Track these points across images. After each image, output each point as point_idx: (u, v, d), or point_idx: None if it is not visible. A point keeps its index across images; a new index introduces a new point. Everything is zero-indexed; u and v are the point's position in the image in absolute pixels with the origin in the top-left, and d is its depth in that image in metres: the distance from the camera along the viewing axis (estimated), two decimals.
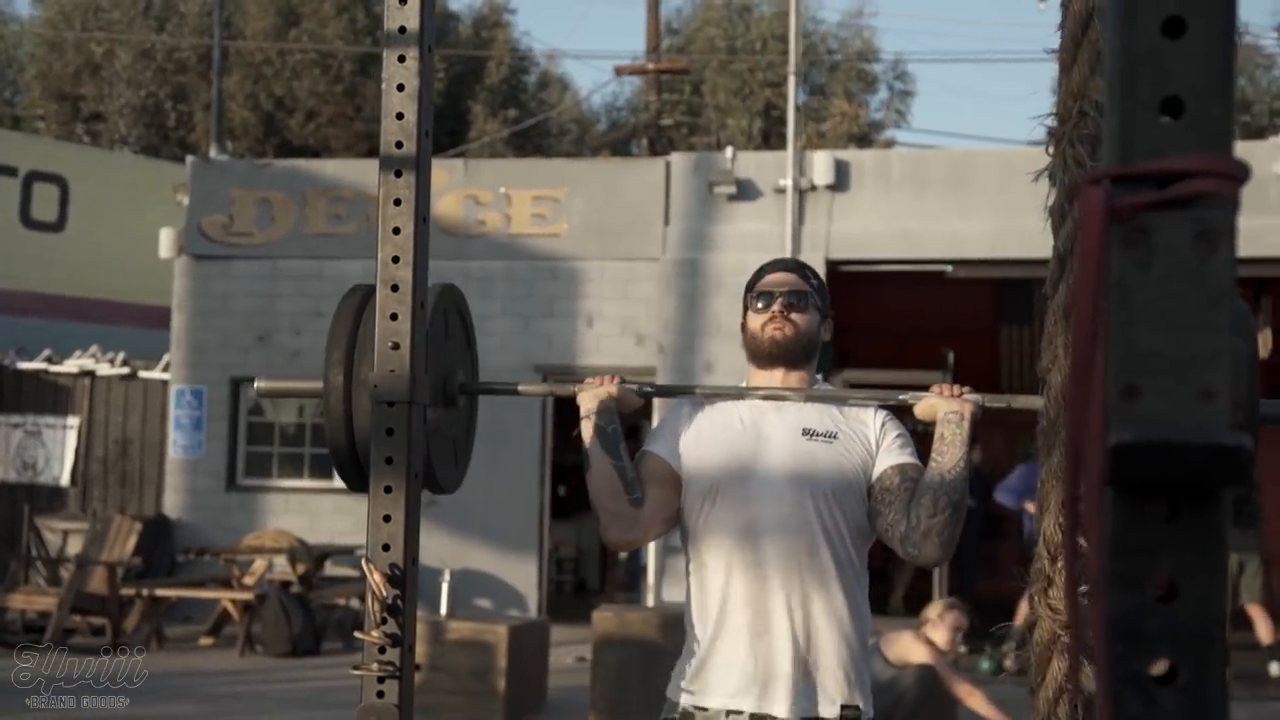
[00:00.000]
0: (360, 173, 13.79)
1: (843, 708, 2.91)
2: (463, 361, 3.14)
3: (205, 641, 11.34)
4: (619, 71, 24.15)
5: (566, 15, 47.38)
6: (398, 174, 2.78)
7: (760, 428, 3.03)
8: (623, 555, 15.42)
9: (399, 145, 2.77)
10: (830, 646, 2.91)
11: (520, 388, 3.25)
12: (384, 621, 2.73)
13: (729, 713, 2.93)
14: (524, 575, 12.54)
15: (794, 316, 3.10)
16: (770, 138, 23.07)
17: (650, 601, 12.21)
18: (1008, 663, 10.77)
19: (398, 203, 2.78)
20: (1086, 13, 1.78)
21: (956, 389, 2.98)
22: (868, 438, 3.02)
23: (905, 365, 12.19)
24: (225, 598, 11.23)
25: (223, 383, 13.50)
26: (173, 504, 13.45)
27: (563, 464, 14.49)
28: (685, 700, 3.01)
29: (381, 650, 2.73)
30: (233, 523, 13.07)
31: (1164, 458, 0.97)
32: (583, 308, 12.83)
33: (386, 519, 2.77)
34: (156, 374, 14.07)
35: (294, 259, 13.40)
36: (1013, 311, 16.96)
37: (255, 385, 3.22)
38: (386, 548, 2.77)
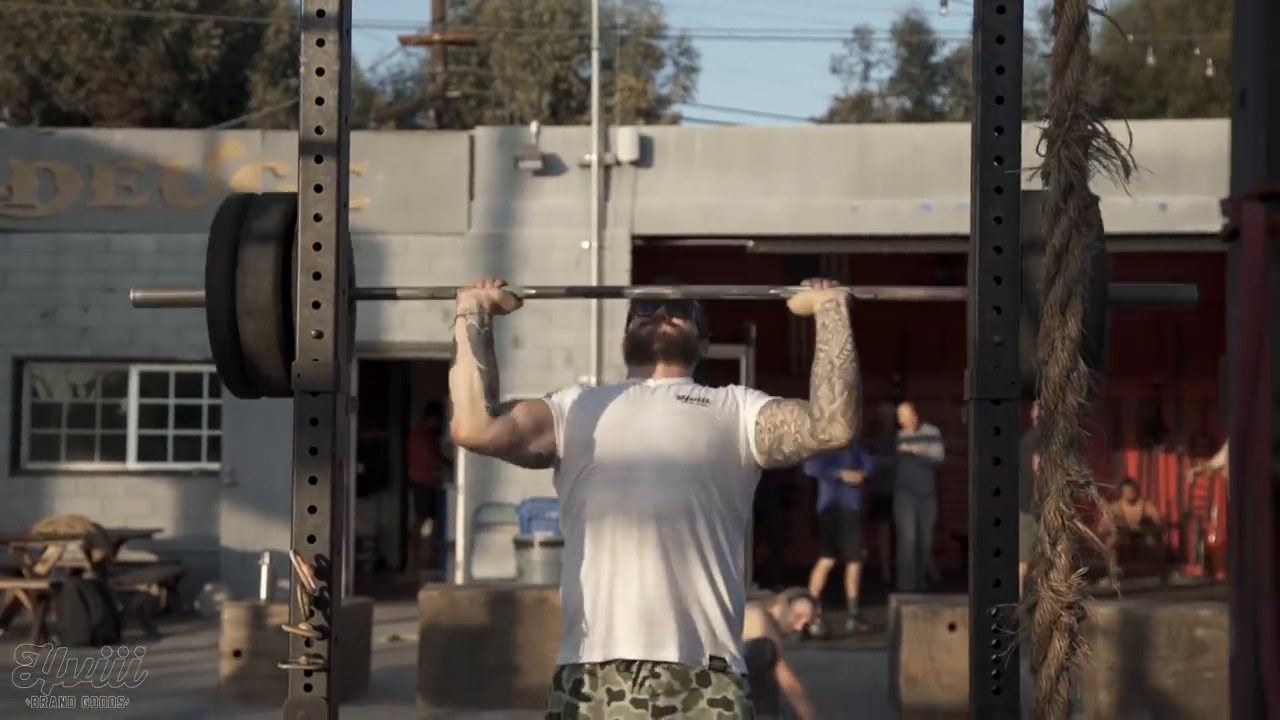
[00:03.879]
0: (150, 143, 13.32)
1: (711, 658, 3.05)
2: (345, 268, 3.10)
3: None
4: (404, 42, 23.85)
5: None
6: (318, 159, 2.72)
7: (639, 398, 3.19)
8: (425, 531, 15.32)
9: (319, 130, 2.72)
10: (699, 606, 3.05)
11: (399, 292, 3.25)
12: (311, 614, 2.68)
13: (602, 663, 3.04)
14: None
15: (675, 320, 3.25)
16: (559, 111, 23.07)
17: (459, 578, 12.16)
18: (814, 628, 11.06)
19: (319, 189, 2.73)
20: (1079, 19, 1.85)
21: (826, 282, 3.16)
22: (735, 401, 3.19)
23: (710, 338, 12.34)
24: (17, 587, 10.75)
25: (4, 362, 12.90)
26: None
27: (362, 441, 14.30)
28: (565, 659, 3.11)
29: (308, 643, 2.68)
30: (18, 509, 12.52)
31: None
32: (386, 282, 12.65)
33: (312, 510, 2.72)
34: None
35: (80, 232, 12.87)
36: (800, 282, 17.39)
37: (131, 295, 3.12)
38: (312, 539, 2.72)
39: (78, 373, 13.34)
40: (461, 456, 12.64)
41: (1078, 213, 1.85)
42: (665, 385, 3.21)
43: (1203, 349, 15.78)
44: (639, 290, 3.23)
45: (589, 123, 13.21)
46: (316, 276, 2.73)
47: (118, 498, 12.74)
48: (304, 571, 2.67)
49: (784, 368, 16.56)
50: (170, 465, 12.96)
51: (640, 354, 3.27)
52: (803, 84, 45.97)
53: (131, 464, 13.02)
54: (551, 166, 12.63)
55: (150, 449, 13.06)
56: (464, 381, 3.06)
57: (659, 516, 3.04)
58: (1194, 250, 12.11)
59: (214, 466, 12.74)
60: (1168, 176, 11.97)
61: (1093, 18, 1.95)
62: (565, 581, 3.16)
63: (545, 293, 3.39)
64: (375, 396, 15.54)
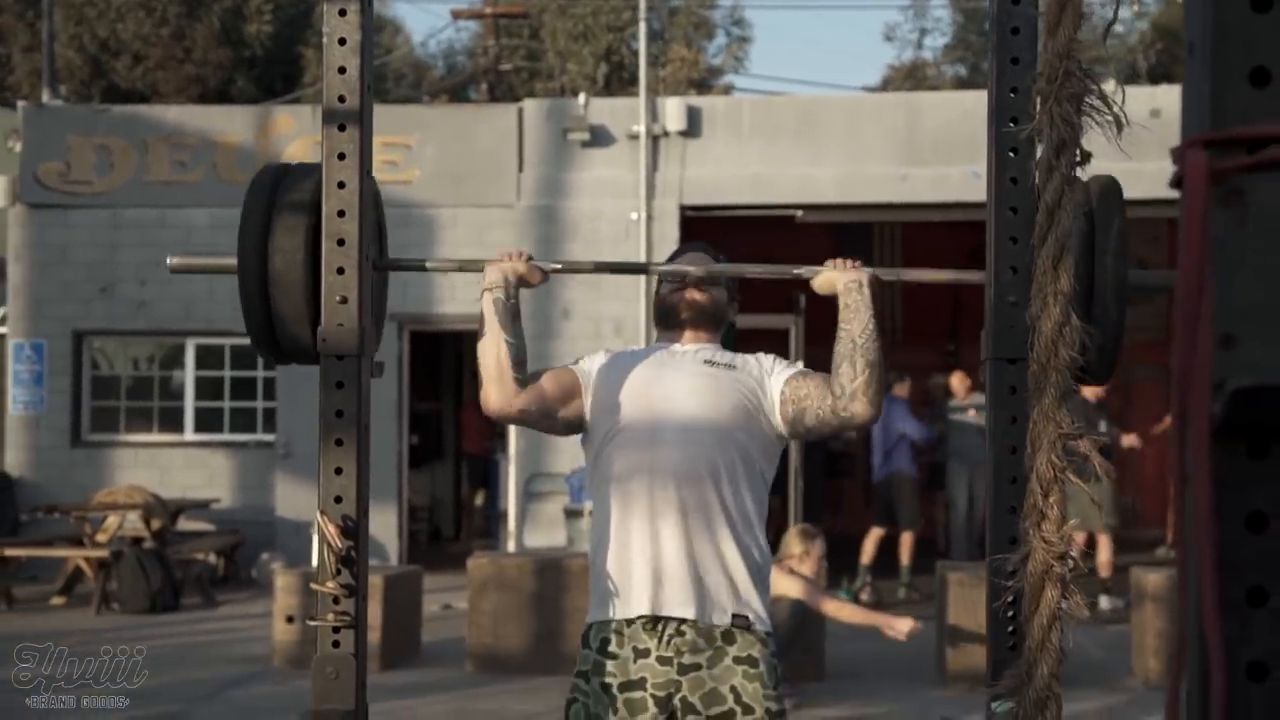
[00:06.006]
0: (204, 118, 13.47)
1: (734, 616, 3.09)
2: (374, 238, 3.16)
3: (57, 601, 11.08)
4: (455, 16, 23.88)
5: None
6: (341, 128, 2.77)
7: (666, 361, 3.24)
8: (478, 501, 15.46)
9: (342, 99, 2.77)
10: (722, 566, 3.09)
11: (428, 264, 3.29)
12: (338, 573, 2.74)
13: (628, 620, 3.08)
14: (383, 525, 12.49)
15: (706, 288, 3.31)
16: (612, 83, 23.07)
17: (511, 547, 12.27)
18: (863, 596, 11.10)
19: (342, 157, 2.78)
20: None
21: (849, 262, 3.19)
22: (762, 369, 3.24)
23: (756, 309, 12.38)
24: (79, 556, 10.97)
25: (64, 336, 13.12)
26: (14, 462, 13.07)
27: (416, 412, 14.44)
28: (594, 617, 3.16)
29: (336, 601, 2.75)
30: (79, 479, 12.76)
31: (1268, 401, 1.06)
32: (437, 255, 12.75)
33: (339, 471, 2.78)
34: None
35: (136, 208, 13.05)
36: (852, 253, 17.27)
37: (168, 261, 3.18)
38: (339, 500, 2.78)
39: (136, 346, 13.54)
40: (513, 428, 12.75)
41: (1069, 169, 1.87)
42: (693, 350, 3.26)
43: None
44: (665, 267, 3.27)
45: (639, 94, 13.21)
46: (340, 243, 2.78)
47: (176, 468, 12.94)
48: (330, 531, 2.73)
49: (835, 337, 16.53)
50: (226, 436, 13.16)
51: (668, 320, 3.33)
52: (856, 53, 45.67)
53: (189, 435, 13.22)
54: (600, 138, 12.67)
55: (207, 420, 13.26)
56: (491, 354, 3.10)
57: (682, 477, 3.07)
58: None
59: (269, 438, 12.91)
60: None
61: None
62: (593, 541, 3.21)
63: (571, 267, 3.44)
64: (428, 368, 15.68)
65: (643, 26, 13.69)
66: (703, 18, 25.33)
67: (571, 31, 23.59)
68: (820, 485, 14.18)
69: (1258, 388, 1.04)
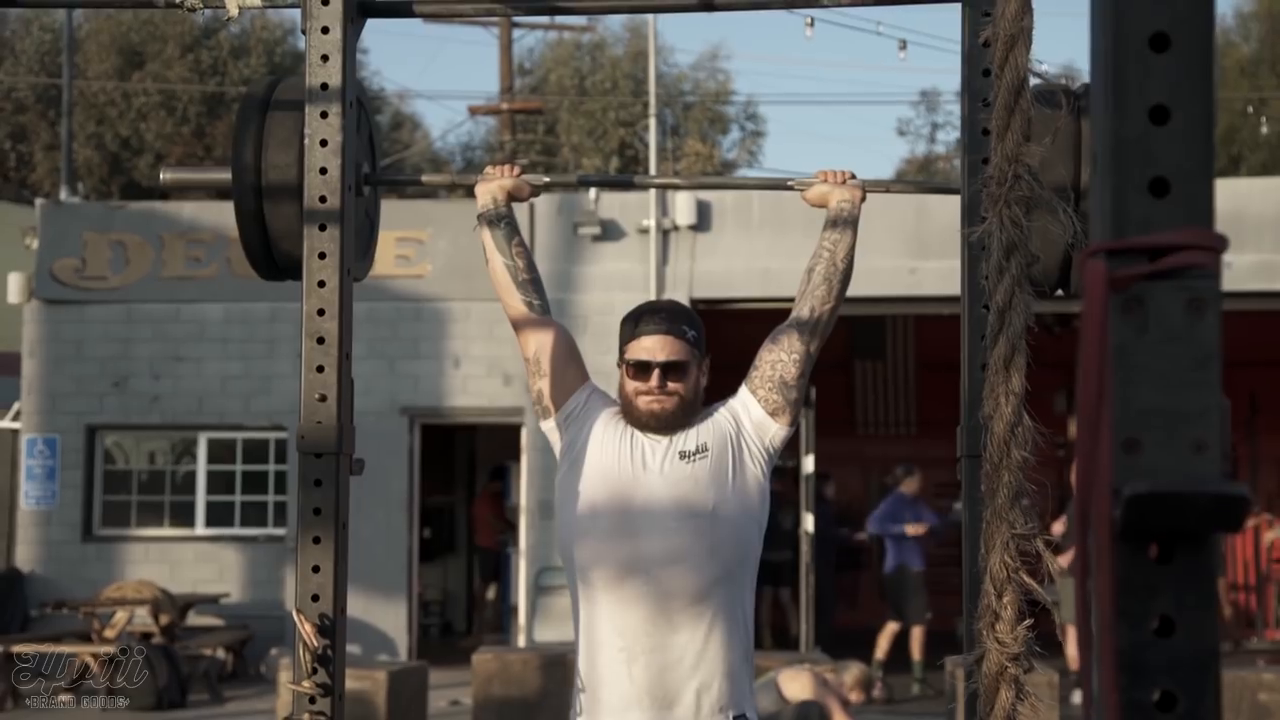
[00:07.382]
0: (218, 214, 13.59)
1: None
2: (366, 153, 3.22)
3: (64, 698, 11.01)
4: (473, 111, 24.18)
5: (418, 55, 47.36)
6: (322, 228, 2.81)
7: (644, 457, 3.03)
8: (489, 595, 15.39)
9: (323, 200, 2.81)
10: (708, 671, 2.96)
11: (424, 178, 3.41)
12: (314, 672, 2.74)
13: None
14: (393, 619, 12.44)
15: (671, 387, 3.06)
16: None
17: (521, 642, 12.20)
18: (875, 692, 10.98)
19: (322, 256, 2.81)
20: (1018, 82, 1.90)
21: (843, 174, 3.17)
22: (728, 419, 3.09)
23: None
24: (85, 652, 10.92)
25: (77, 430, 13.18)
26: (25, 557, 13.07)
27: (428, 506, 14.43)
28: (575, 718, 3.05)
29: (312, 700, 2.74)
30: (90, 574, 12.74)
31: (1165, 507, 1.07)
32: (449, 349, 12.82)
33: (315, 569, 2.78)
34: (6, 423, 13.68)
35: (151, 303, 13.16)
36: (866, 347, 17.34)
37: (161, 175, 3.24)
38: (316, 598, 2.78)
39: (149, 440, 13.58)
40: (524, 520, 12.72)
41: (1019, 271, 1.89)
42: (666, 441, 3.04)
43: (1277, 407, 15.54)
44: (656, 181, 3.34)
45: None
46: (320, 341, 2.81)
47: (186, 563, 12.93)
48: (306, 630, 2.73)
49: (848, 429, 16.51)
50: (237, 530, 13.14)
51: (634, 421, 3.09)
52: (870, 147, 46.13)
53: (200, 529, 13.22)
54: (610, 232, 12.76)
55: (218, 515, 13.26)
56: (500, 280, 3.16)
57: (666, 584, 2.93)
58: (1260, 309, 12.00)
59: (280, 532, 12.90)
60: (1233, 235, 11.80)
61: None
62: (577, 637, 3.08)
63: (558, 180, 3.57)
64: (440, 461, 15.68)
65: (653, 123, 13.85)
66: (718, 112, 25.61)
67: (585, 127, 23.85)
68: (830, 578, 14.09)
69: (1153, 494, 1.05)
